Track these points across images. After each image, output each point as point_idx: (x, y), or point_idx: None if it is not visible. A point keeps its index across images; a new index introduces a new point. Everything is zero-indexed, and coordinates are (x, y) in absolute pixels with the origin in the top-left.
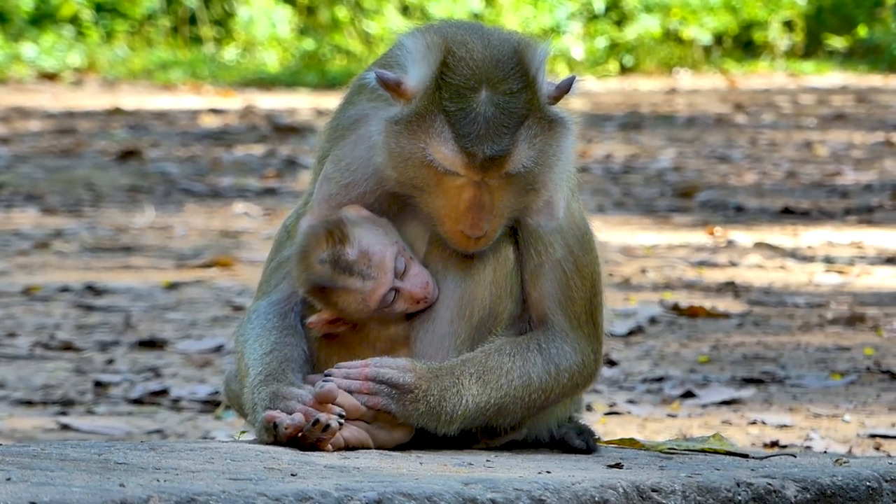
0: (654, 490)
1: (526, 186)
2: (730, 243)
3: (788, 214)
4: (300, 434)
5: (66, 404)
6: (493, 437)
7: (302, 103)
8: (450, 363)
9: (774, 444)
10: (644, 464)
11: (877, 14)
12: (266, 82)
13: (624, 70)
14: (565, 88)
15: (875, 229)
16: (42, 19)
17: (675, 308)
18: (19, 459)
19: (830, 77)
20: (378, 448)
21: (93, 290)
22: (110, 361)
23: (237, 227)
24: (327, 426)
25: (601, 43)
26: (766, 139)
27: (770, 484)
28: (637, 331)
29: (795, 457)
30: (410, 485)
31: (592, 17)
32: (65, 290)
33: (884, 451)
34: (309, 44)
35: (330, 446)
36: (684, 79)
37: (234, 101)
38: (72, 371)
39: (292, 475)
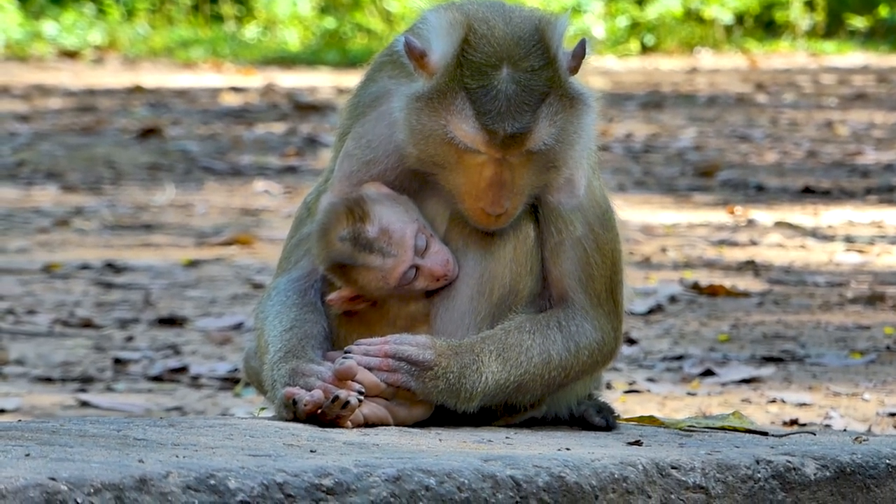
0: (673, 467)
1: (547, 164)
2: (750, 222)
3: (809, 194)
4: (319, 411)
5: (86, 381)
6: (512, 415)
7: (323, 81)
8: (470, 340)
9: (794, 422)
10: (664, 441)
11: None
12: (287, 60)
13: (645, 49)
14: (580, 54)
15: (895, 209)
16: None
17: (695, 287)
18: (38, 435)
19: (851, 57)
20: (397, 425)
21: (113, 267)
22: (130, 339)
23: (257, 205)
24: (347, 403)
25: (622, 22)
26: (786, 119)
27: (789, 461)
28: (657, 309)
29: (815, 435)
30: (430, 461)
31: None
32: (85, 267)
33: None
34: (330, 22)
35: (349, 423)
36: (705, 58)
37: (255, 80)
38: (91, 348)
39: (311, 451)
